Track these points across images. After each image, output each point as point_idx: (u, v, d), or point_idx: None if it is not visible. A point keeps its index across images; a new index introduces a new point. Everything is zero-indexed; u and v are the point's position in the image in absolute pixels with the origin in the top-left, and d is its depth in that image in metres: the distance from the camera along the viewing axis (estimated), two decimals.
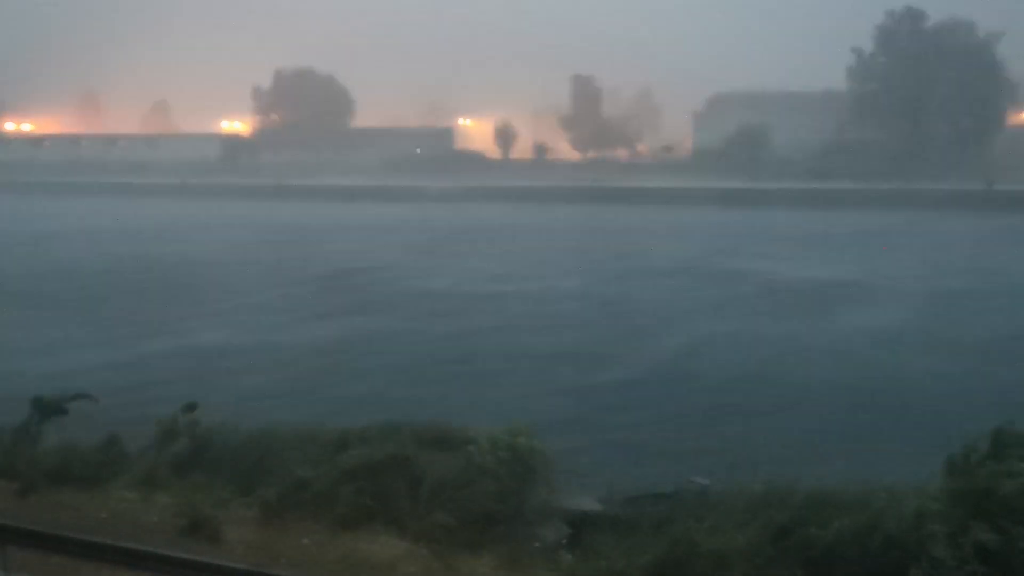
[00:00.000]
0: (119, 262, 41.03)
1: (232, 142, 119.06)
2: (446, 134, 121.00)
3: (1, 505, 9.68)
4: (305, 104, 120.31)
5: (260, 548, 8.95)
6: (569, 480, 10.27)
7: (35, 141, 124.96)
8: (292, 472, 9.89)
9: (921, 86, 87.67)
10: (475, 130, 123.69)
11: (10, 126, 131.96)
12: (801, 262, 39.31)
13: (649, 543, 8.50)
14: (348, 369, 20.99)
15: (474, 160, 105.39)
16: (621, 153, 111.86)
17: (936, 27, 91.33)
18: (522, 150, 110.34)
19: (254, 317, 27.80)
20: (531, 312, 28.50)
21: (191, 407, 11.59)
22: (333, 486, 9.67)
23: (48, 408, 11.49)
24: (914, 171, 74.96)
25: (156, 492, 10.19)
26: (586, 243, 48.61)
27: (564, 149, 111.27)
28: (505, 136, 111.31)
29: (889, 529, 7.68)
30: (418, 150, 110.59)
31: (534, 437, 9.84)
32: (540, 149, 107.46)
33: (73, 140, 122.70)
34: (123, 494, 10.25)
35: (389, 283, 34.40)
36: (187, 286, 33.87)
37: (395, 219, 61.45)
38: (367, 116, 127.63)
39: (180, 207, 72.81)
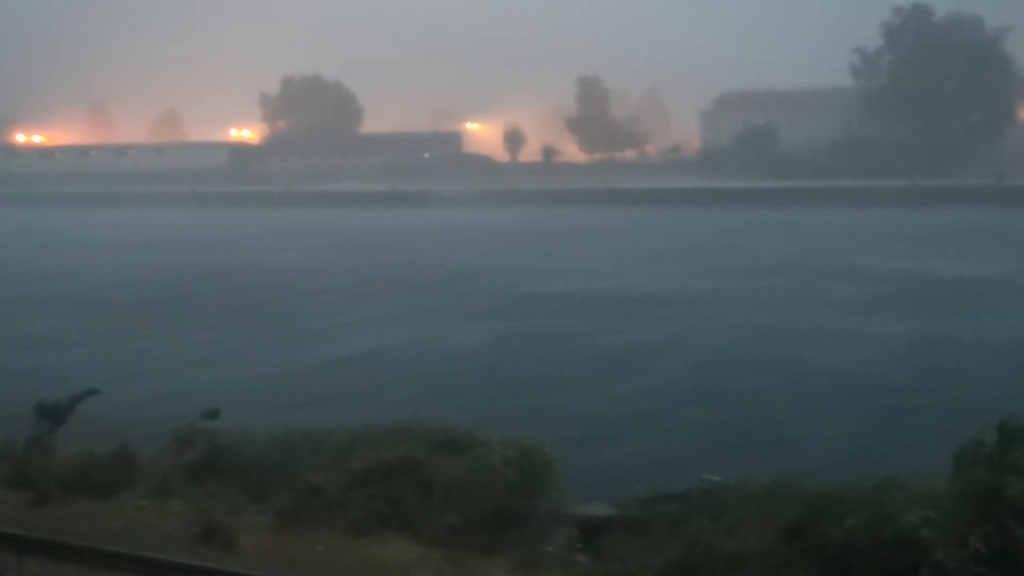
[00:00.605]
0: (219, 270, 40.03)
1: (240, 150, 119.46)
2: (454, 138, 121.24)
3: (16, 515, 9.72)
4: (313, 111, 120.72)
5: (275, 554, 8.98)
6: (582, 485, 10.26)
7: (45, 152, 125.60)
8: (305, 478, 9.91)
9: (929, 82, 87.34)
10: (483, 134, 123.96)
11: (20, 138, 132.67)
12: (937, 259, 38.07)
13: (663, 544, 8.49)
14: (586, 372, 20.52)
15: (482, 163, 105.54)
16: (629, 154, 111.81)
17: (943, 22, 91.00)
18: (530, 153, 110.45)
19: (408, 322, 27.24)
20: (705, 315, 27.43)
21: (213, 414, 11.61)
22: (345, 491, 9.69)
23: (52, 412, 11.52)
24: (923, 167, 74.67)
25: (171, 500, 10.22)
26: (660, 242, 47.51)
27: (572, 151, 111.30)
28: (513, 139, 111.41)
29: (902, 527, 7.63)
30: (426, 155, 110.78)
31: (542, 442, 9.84)
32: (548, 152, 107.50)
33: (83, 150, 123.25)
34: (138, 502, 10.28)
35: (511, 286, 33.62)
36: (312, 292, 33.18)
37: (437, 223, 60.71)
38: (375, 122, 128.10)
39: (208, 215, 72.69)
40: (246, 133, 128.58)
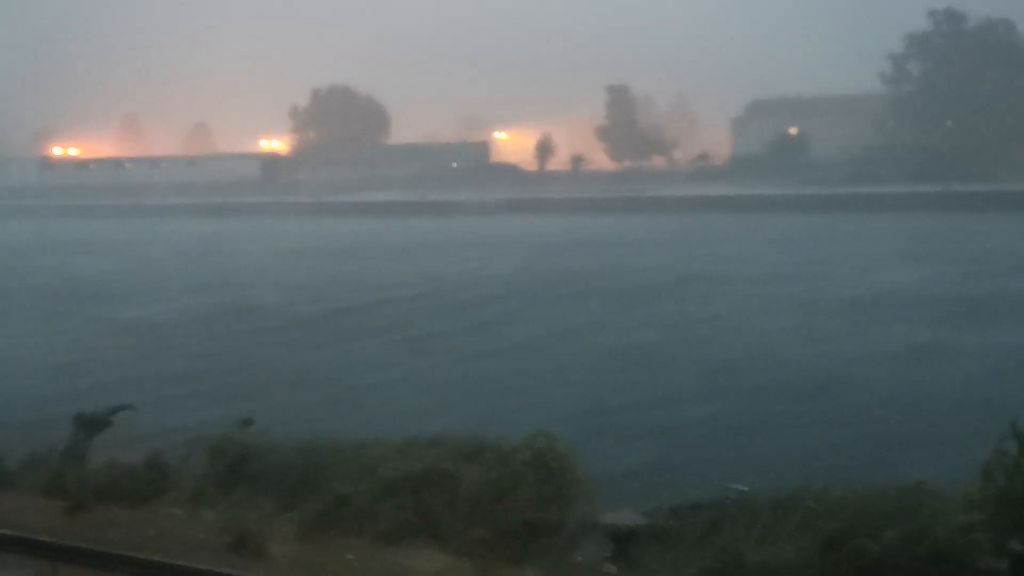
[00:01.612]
0: (437, 281, 38.21)
1: (271, 161, 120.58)
2: (482, 148, 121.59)
3: (52, 523, 9.85)
4: (342, 121, 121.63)
5: (305, 564, 9.02)
6: (611, 494, 10.22)
7: (81, 164, 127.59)
8: (334, 488, 9.95)
9: (963, 87, 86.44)
10: (511, 143, 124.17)
11: (57, 151, 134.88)
12: None
13: (695, 555, 8.42)
14: None
15: (510, 172, 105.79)
16: (658, 162, 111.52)
17: (977, 27, 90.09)
18: (558, 161, 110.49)
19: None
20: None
21: (247, 423, 11.70)
22: (374, 501, 9.71)
23: (90, 423, 11.67)
24: (958, 173, 73.81)
25: (202, 509, 10.31)
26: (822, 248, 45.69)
27: (600, 159, 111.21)
28: (543, 148, 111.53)
29: (938, 538, 7.52)
30: (454, 164, 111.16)
31: (567, 449, 9.82)
32: (576, 160, 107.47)
33: (117, 163, 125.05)
34: (170, 511, 10.38)
35: (803, 291, 32.21)
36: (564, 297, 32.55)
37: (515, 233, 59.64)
38: (404, 132, 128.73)
39: (255, 225, 73.11)
40: (276, 144, 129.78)
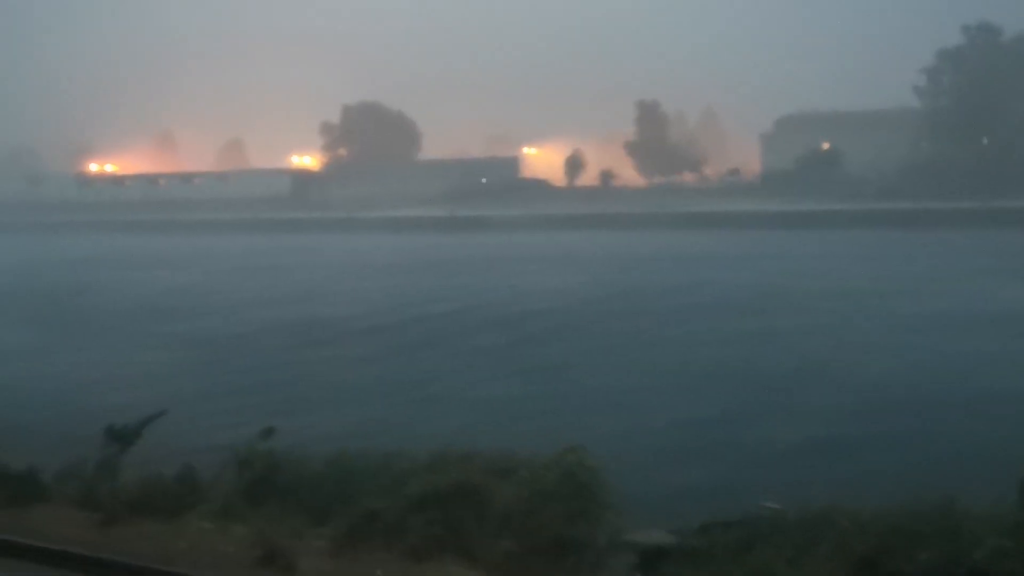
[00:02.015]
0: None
1: (302, 177, 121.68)
2: (511, 163, 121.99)
3: (85, 536, 9.94)
4: (372, 138, 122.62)
5: None
6: (640, 511, 10.14)
7: (116, 180, 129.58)
8: (364, 502, 9.96)
9: (999, 101, 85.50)
10: (540, 158, 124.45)
11: (93, 167, 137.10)
12: None
13: (725, 574, 8.32)
14: None
15: (539, 188, 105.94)
16: (688, 178, 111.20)
17: (1012, 41, 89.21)
18: (588, 177, 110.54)
19: None
20: None
21: (268, 433, 11.69)
22: (404, 516, 9.70)
23: (121, 435, 11.76)
24: (994, 188, 72.87)
25: (232, 522, 10.35)
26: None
27: (630, 175, 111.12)
28: (574, 164, 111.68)
29: (976, 561, 7.37)
30: (484, 180, 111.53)
31: (596, 464, 9.76)
32: (606, 176, 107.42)
33: (151, 179, 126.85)
34: (201, 524, 10.43)
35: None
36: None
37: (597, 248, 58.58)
38: (434, 148, 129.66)
39: (296, 240, 73.53)
40: (307, 160, 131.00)
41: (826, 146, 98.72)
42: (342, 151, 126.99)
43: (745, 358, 23.36)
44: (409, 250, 61.96)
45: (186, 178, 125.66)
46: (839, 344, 25.05)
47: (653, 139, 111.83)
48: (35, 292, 42.95)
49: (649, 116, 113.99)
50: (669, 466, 14.89)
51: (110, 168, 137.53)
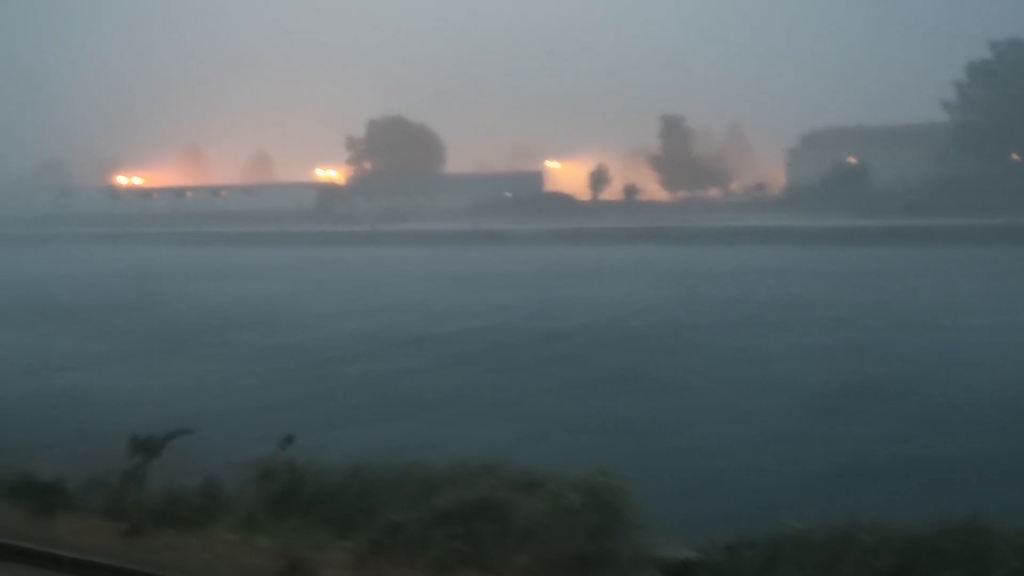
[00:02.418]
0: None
1: (327, 190, 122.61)
2: (536, 177, 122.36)
3: (111, 546, 10.02)
4: (397, 151, 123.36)
5: None
6: (662, 527, 10.08)
7: (145, 193, 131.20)
8: (387, 515, 9.97)
9: None
10: (564, 172, 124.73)
11: (122, 180, 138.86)
12: None
13: None
14: None
15: (563, 202, 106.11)
16: (713, 192, 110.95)
17: None
18: (612, 192, 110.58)
19: None
20: None
21: (288, 441, 11.71)
22: (427, 529, 9.70)
23: (146, 446, 11.84)
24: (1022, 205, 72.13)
25: (256, 534, 10.38)
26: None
27: (654, 190, 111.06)
28: (598, 178, 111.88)
29: None
30: (508, 194, 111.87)
31: (621, 480, 9.72)
32: (630, 190, 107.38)
33: (179, 192, 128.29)
34: (225, 536, 10.47)
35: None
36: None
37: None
38: (458, 162, 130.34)
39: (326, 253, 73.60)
40: (332, 174, 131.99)
41: (853, 161, 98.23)
42: (367, 165, 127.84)
43: (885, 373, 22.24)
44: (474, 261, 61.03)
45: (214, 191, 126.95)
46: (961, 358, 24.21)
47: (678, 153, 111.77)
48: (102, 303, 42.48)
49: (674, 130, 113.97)
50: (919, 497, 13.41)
51: (138, 181, 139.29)
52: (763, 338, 27.89)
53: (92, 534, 10.40)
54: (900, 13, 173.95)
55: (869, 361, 23.77)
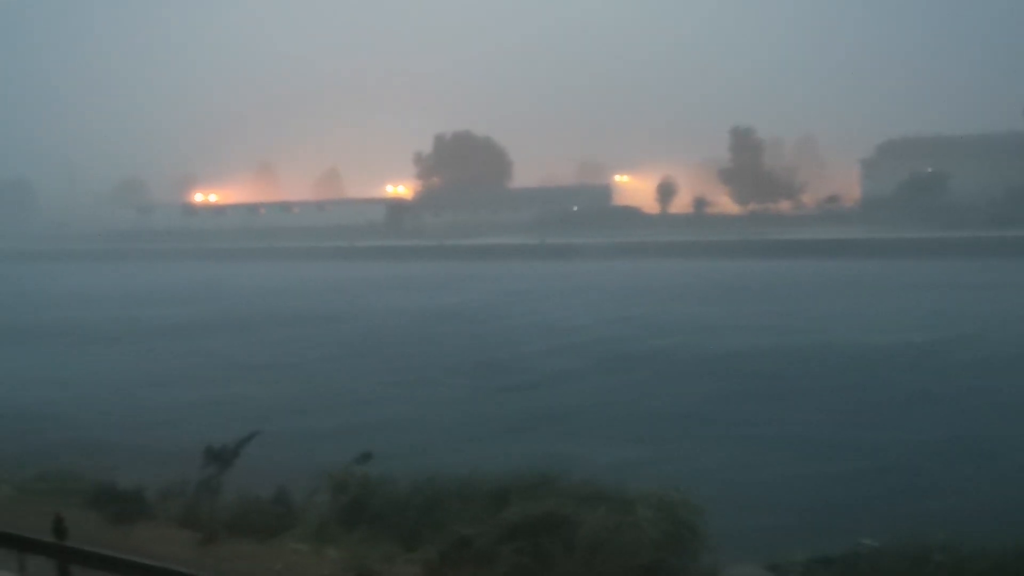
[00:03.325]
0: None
1: (396, 205, 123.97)
2: (603, 191, 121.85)
3: (186, 554, 10.23)
4: (464, 166, 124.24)
5: None
6: (731, 544, 9.90)
7: (219, 210, 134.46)
8: (455, 529, 9.98)
9: None
10: (632, 186, 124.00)
11: (198, 197, 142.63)
12: None
13: None
14: None
15: (631, 216, 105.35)
16: (784, 205, 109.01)
17: None
18: (681, 205, 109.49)
19: None
20: None
21: (366, 457, 11.85)
22: (494, 543, 9.68)
23: (220, 456, 12.07)
24: None
25: (326, 545, 10.50)
26: None
27: (724, 202, 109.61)
28: (666, 191, 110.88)
29: None
30: (575, 207, 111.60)
31: (691, 497, 9.58)
32: (699, 203, 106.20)
33: (252, 208, 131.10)
34: (296, 546, 10.62)
35: None
36: None
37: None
38: (525, 176, 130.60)
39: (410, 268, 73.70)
40: (401, 189, 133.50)
41: (931, 172, 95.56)
42: (435, 180, 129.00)
43: None
44: (610, 274, 59.86)
45: (285, 207, 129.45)
46: None
47: (748, 165, 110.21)
48: (289, 318, 41.71)
49: (744, 142, 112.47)
50: None
51: (213, 198, 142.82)
52: None
53: (167, 543, 10.64)
54: (980, 20, 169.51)
55: None
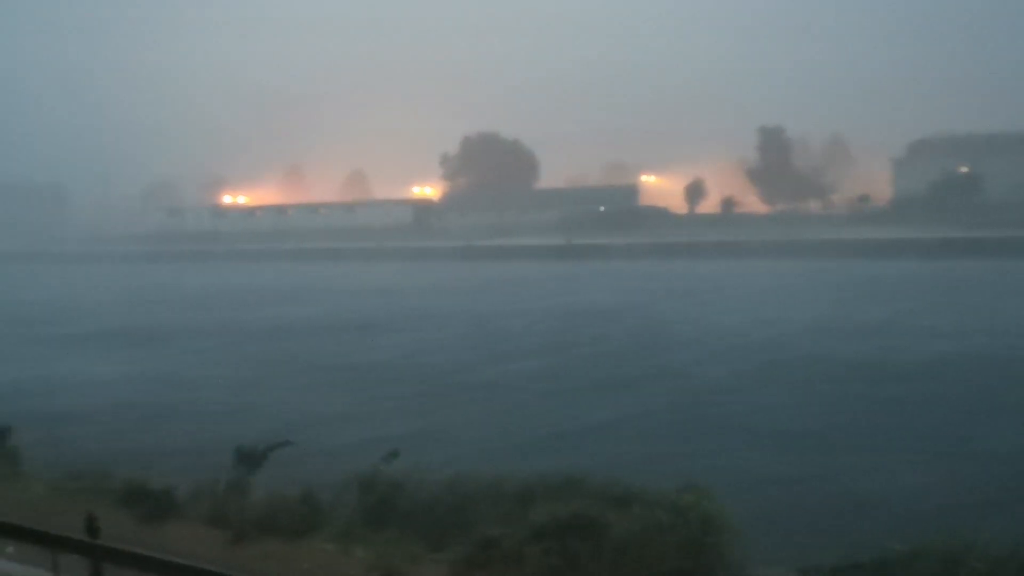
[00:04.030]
0: None
1: (423, 207, 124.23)
2: (630, 191, 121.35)
3: (216, 553, 10.32)
4: (491, 167, 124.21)
5: None
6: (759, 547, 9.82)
7: (248, 212, 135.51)
8: (482, 530, 9.98)
9: None
10: (660, 186, 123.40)
11: (228, 199, 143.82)
12: None
13: None
14: None
15: (658, 216, 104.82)
16: (813, 205, 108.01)
17: None
18: (709, 205, 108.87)
19: None
20: None
21: (393, 456, 11.89)
22: (521, 545, 9.67)
23: (249, 457, 12.17)
24: None
25: (353, 545, 10.54)
26: None
27: (752, 202, 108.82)
28: (694, 191, 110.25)
29: None
30: (602, 208, 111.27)
31: (717, 500, 9.52)
32: (727, 203, 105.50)
33: (281, 210, 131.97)
34: (324, 546, 10.67)
35: None
36: None
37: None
38: (552, 177, 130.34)
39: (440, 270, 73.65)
40: (428, 190, 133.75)
41: (964, 170, 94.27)
42: (461, 181, 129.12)
43: None
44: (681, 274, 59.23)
45: (312, 208, 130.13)
46: None
47: (777, 165, 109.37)
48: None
49: (773, 142, 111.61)
50: None
51: (242, 200, 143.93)
52: None
53: (196, 541, 10.73)
54: (1012, 16, 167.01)
55: None
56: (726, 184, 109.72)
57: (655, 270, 63.83)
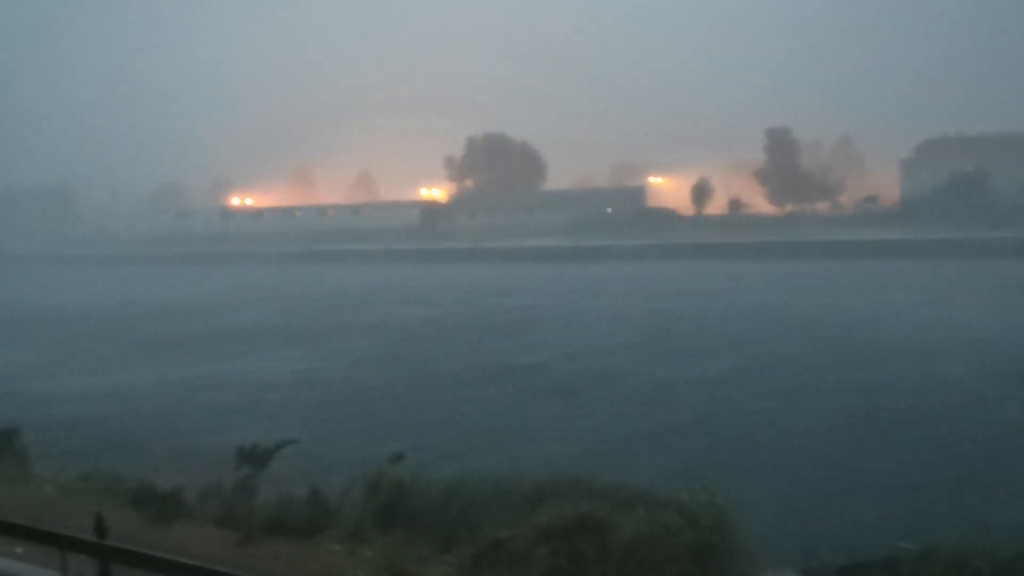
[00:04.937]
0: None
1: (430, 208, 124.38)
2: (637, 193, 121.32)
3: (224, 553, 10.33)
4: (498, 169, 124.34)
5: None
6: (765, 548, 9.80)
7: (256, 213, 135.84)
8: (489, 531, 9.98)
9: None
10: (667, 187, 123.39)
11: (235, 200, 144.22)
12: None
13: None
14: None
15: (666, 217, 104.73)
16: (821, 206, 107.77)
17: None
18: (716, 206, 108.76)
19: None
20: None
21: (398, 457, 11.90)
22: (530, 546, 9.66)
23: (252, 456, 12.18)
24: None
25: (361, 546, 10.55)
26: None
27: (760, 203, 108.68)
28: (701, 193, 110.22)
29: None
30: (609, 209, 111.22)
31: (727, 500, 9.51)
32: (734, 204, 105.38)
33: (288, 211, 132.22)
34: (331, 547, 10.68)
35: None
36: None
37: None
38: (559, 178, 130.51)
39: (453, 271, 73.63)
40: (435, 192, 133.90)
41: (972, 171, 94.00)
42: (468, 182, 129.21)
43: None
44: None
45: (320, 210, 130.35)
46: None
47: (784, 166, 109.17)
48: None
49: (780, 143, 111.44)
50: None
51: (250, 202, 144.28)
52: None
53: (204, 542, 10.75)
54: (1020, 16, 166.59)
55: None
56: (733, 185, 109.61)
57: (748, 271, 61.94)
